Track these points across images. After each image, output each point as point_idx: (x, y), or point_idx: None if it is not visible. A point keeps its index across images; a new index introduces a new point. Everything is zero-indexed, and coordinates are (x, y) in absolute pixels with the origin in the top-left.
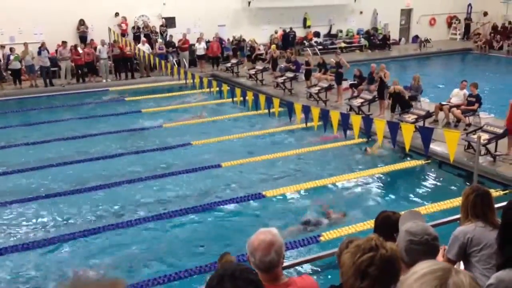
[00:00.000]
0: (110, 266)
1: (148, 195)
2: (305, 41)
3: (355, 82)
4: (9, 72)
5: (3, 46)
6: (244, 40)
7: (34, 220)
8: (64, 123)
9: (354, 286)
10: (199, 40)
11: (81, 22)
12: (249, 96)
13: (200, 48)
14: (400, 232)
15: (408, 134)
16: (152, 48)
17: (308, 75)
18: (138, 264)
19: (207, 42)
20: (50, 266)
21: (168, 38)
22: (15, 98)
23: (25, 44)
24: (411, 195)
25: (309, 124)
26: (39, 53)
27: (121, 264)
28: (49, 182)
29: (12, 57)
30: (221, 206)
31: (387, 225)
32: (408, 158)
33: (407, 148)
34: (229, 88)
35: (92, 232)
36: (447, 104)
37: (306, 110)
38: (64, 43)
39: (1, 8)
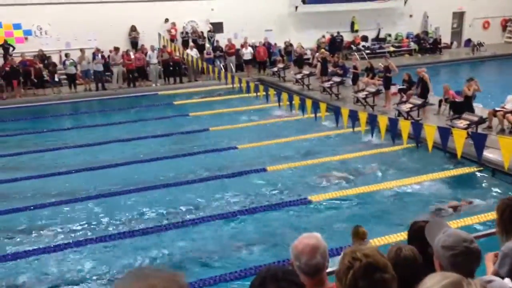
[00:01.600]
0: (161, 265)
1: (195, 198)
2: (352, 46)
3: (404, 87)
4: (65, 76)
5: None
6: (291, 45)
7: (88, 219)
8: (116, 126)
9: None
10: (245, 45)
11: (133, 28)
12: (296, 101)
13: (247, 53)
14: (437, 251)
15: (460, 140)
16: (200, 53)
17: (355, 79)
18: (188, 264)
19: (254, 47)
20: (107, 262)
21: (215, 43)
22: (70, 102)
23: (82, 50)
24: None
25: (356, 129)
26: (93, 58)
27: (177, 262)
28: (101, 182)
29: (67, 63)
30: (266, 210)
31: (422, 236)
32: (459, 165)
33: (458, 155)
34: (275, 92)
35: (142, 232)
36: (502, 110)
37: (353, 115)
38: (116, 48)
39: (57, 15)
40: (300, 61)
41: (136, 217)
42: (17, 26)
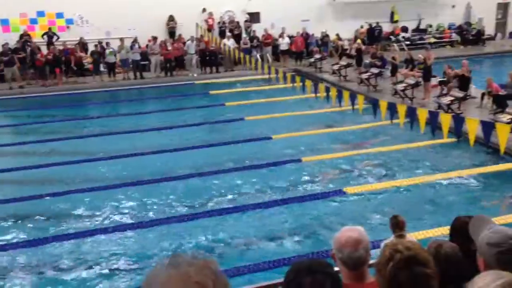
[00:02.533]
0: (195, 252)
1: (229, 187)
2: (391, 36)
3: (445, 79)
4: (105, 65)
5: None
6: (327, 36)
7: (124, 205)
8: (152, 114)
9: None
10: (281, 35)
11: (171, 18)
12: (333, 92)
13: (284, 43)
14: (481, 248)
15: (503, 135)
16: (236, 43)
17: (394, 71)
18: (222, 252)
19: (291, 37)
20: (142, 248)
21: (252, 33)
22: (109, 90)
23: (121, 39)
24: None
25: (394, 122)
26: (131, 47)
27: (212, 250)
28: (137, 170)
29: (107, 51)
30: (301, 201)
31: (464, 232)
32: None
33: (501, 150)
34: (312, 83)
35: (177, 220)
36: None
37: (392, 107)
38: (154, 38)
39: (98, 4)
40: (337, 52)
41: (171, 205)
42: (59, 15)
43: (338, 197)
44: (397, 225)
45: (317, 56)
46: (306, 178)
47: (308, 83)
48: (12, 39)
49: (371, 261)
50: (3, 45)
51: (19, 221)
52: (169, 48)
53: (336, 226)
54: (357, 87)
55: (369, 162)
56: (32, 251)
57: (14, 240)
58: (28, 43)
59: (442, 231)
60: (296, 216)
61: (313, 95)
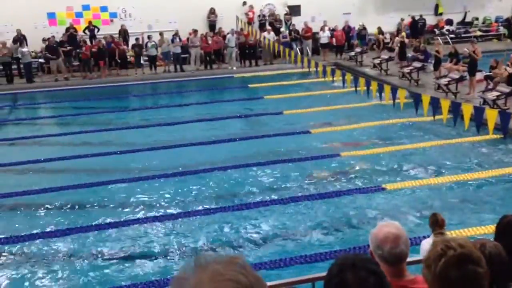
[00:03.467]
0: (234, 245)
1: (267, 180)
2: (435, 29)
3: (491, 73)
4: (146, 58)
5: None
6: (365, 29)
7: (163, 196)
8: (192, 107)
9: None
10: (322, 28)
11: (212, 11)
12: (373, 86)
13: (324, 37)
14: None
15: None
16: (276, 36)
17: (437, 65)
18: (259, 245)
19: (332, 30)
20: (187, 238)
21: (292, 27)
22: (150, 82)
23: (161, 33)
24: None
25: (437, 117)
26: (172, 41)
27: (243, 244)
28: (175, 161)
29: (149, 45)
30: (339, 196)
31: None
32: None
33: None
34: (352, 77)
35: (214, 211)
36: None
37: (435, 102)
38: (195, 31)
39: None
40: (381, 46)
41: (209, 196)
42: (103, 9)
43: (377, 193)
44: (437, 223)
45: (358, 49)
46: (345, 172)
47: (348, 77)
48: (58, 32)
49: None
50: (49, 38)
51: (62, 209)
52: (209, 41)
53: (374, 222)
54: (399, 82)
55: (410, 158)
56: (75, 238)
57: (57, 227)
58: (74, 36)
59: (485, 230)
60: (333, 211)
61: (353, 89)
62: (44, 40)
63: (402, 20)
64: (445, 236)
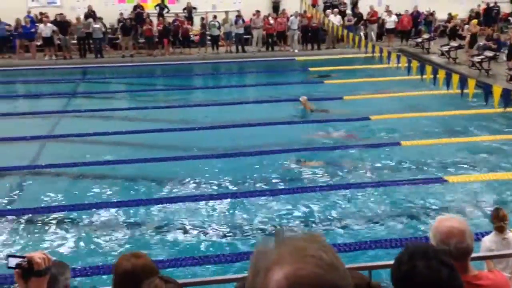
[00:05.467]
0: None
1: (323, 165)
2: (510, 18)
3: None
4: (209, 37)
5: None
6: (432, 14)
7: (218, 175)
8: (252, 88)
9: None
10: (388, 13)
11: None
12: (441, 75)
13: (390, 21)
14: None
15: None
16: (341, 20)
17: (511, 55)
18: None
19: (398, 15)
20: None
21: (357, 10)
22: (212, 62)
23: (226, 13)
24: None
25: (508, 110)
26: (236, 22)
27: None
28: (232, 141)
29: (212, 24)
30: (398, 185)
31: None
32: None
33: None
34: (418, 64)
35: (271, 193)
36: None
37: (507, 94)
38: (258, 12)
39: None
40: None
41: (265, 178)
42: None
43: (437, 185)
44: (498, 218)
45: (425, 36)
46: (405, 162)
47: (414, 63)
48: (126, 10)
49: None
50: (125, 19)
51: (126, 182)
52: (272, 22)
53: (433, 214)
54: (468, 71)
55: (476, 151)
56: (135, 210)
57: (118, 198)
58: (141, 14)
59: None
60: (391, 201)
61: (419, 77)
62: (119, 20)
63: (479, 6)
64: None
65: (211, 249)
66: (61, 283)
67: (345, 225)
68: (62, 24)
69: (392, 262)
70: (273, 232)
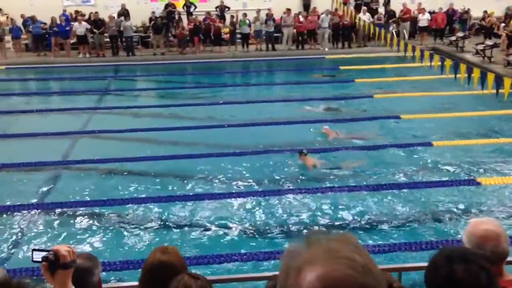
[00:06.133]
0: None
1: (352, 166)
2: None
3: None
4: (239, 35)
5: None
6: (467, 12)
7: (249, 172)
8: (281, 86)
9: None
10: (421, 11)
11: None
12: (475, 74)
13: (423, 19)
14: None
15: None
16: (372, 18)
17: None
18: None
19: (432, 13)
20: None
21: (389, 8)
22: (242, 60)
23: (257, 11)
24: None
25: None
26: (266, 21)
27: (330, 227)
28: (261, 138)
29: (241, 22)
30: (428, 187)
31: None
32: None
33: None
34: (452, 63)
35: (298, 192)
36: None
37: None
38: (288, 10)
39: None
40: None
41: (291, 177)
42: None
43: (470, 187)
44: None
45: (459, 34)
46: (436, 163)
47: (448, 62)
48: (158, 8)
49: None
50: (156, 18)
51: (156, 179)
52: (302, 20)
53: (465, 216)
54: (503, 70)
55: (510, 153)
56: (164, 206)
57: (147, 194)
58: (172, 13)
59: None
60: (421, 202)
61: (452, 76)
62: (151, 19)
63: None
64: None
65: (238, 246)
66: (95, 277)
67: (374, 226)
68: (95, 23)
69: (422, 264)
70: (304, 232)
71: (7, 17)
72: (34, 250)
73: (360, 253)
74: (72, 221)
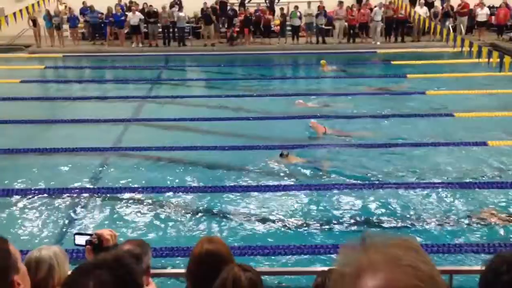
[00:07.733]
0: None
1: (405, 161)
2: None
3: None
4: (290, 28)
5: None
6: None
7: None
8: (332, 80)
9: None
10: (480, 5)
11: None
12: None
13: (482, 14)
14: None
15: None
16: (428, 12)
17: None
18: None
19: (492, 7)
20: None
21: (446, 1)
22: (291, 53)
23: (309, 3)
24: None
25: None
26: (317, 15)
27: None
28: (304, 131)
29: (293, 14)
30: (481, 187)
31: None
32: None
33: None
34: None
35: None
36: None
37: None
38: (340, 3)
39: None
40: None
41: (342, 172)
42: None
43: None
44: None
45: None
46: (491, 163)
47: (507, 59)
48: None
49: None
50: (207, 8)
51: (203, 168)
52: (355, 13)
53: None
54: None
55: None
56: (211, 196)
57: (193, 184)
58: (224, 4)
59: None
60: (474, 203)
61: (511, 73)
62: (202, 10)
63: None
64: None
65: (282, 239)
66: (145, 263)
67: (424, 225)
68: (149, 13)
69: (475, 268)
70: (360, 233)
71: (65, 7)
72: (76, 234)
73: (426, 261)
74: (120, 207)
